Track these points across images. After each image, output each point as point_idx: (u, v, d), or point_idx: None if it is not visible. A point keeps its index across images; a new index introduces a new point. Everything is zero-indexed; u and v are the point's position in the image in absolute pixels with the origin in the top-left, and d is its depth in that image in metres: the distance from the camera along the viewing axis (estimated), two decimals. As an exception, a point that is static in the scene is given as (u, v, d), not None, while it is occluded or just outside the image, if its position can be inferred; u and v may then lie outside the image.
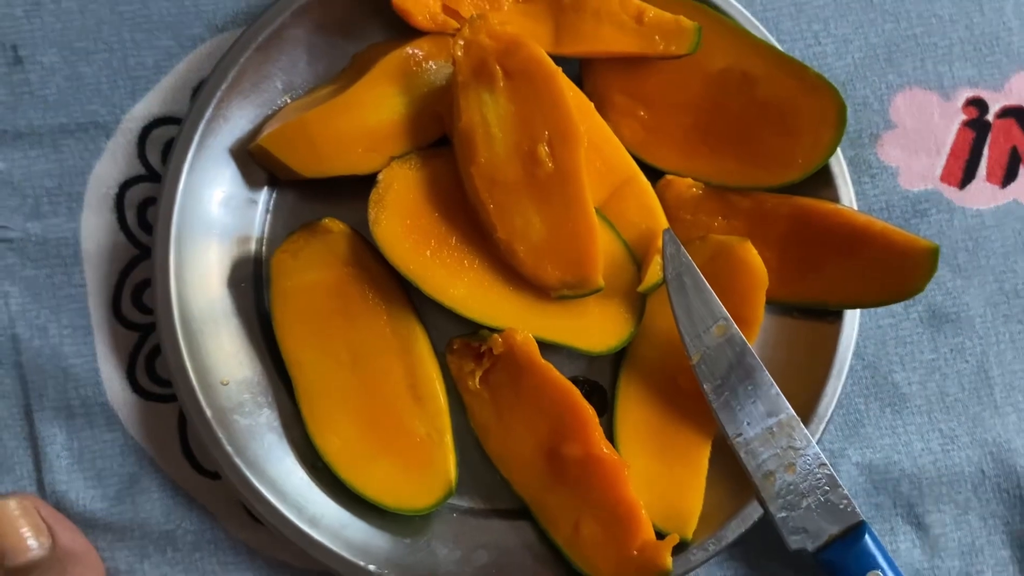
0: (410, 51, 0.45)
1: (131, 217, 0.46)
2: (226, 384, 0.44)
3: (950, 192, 0.49)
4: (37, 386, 0.45)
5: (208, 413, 0.43)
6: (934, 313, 0.48)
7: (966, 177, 0.49)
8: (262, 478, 0.43)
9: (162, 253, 0.43)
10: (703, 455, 0.45)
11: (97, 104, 0.47)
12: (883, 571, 0.42)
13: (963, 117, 0.50)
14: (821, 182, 0.46)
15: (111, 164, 0.46)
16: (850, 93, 0.49)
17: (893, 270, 0.43)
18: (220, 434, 0.43)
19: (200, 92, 0.44)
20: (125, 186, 0.47)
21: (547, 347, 0.44)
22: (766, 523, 0.43)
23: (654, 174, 0.46)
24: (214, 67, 0.44)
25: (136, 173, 0.47)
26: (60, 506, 0.45)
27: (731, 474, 0.44)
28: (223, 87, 0.44)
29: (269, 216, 0.47)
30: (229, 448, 0.43)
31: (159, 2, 0.47)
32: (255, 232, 0.47)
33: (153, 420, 0.46)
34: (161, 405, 0.46)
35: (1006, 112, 0.50)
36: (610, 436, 0.44)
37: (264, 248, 0.47)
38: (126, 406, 0.46)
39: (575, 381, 0.45)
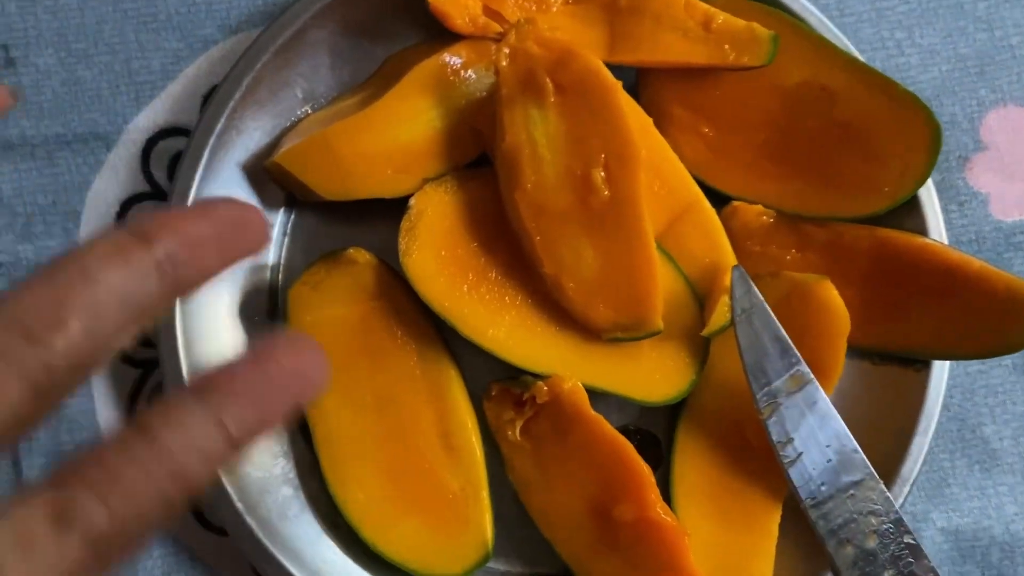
0: (447, 58, 0.40)
1: (133, 239, 0.42)
2: (236, 431, 0.39)
3: (1049, 223, 0.44)
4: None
5: (216, 464, 0.38)
6: (1029, 360, 0.44)
7: (1066, 206, 0.44)
8: (275, 538, 0.38)
9: (167, 283, 0.39)
10: (772, 520, 0.40)
11: (97, 113, 0.42)
12: (976, 658, 0.37)
13: (1064, 139, 0.44)
14: (906, 211, 0.41)
15: (112, 179, 0.42)
16: (937, 111, 0.44)
17: (992, 319, 0.38)
18: (229, 488, 0.38)
19: (211, 101, 0.40)
20: (127, 204, 0.42)
21: (597, 395, 0.39)
22: (841, 597, 0.38)
23: (719, 199, 0.41)
24: (227, 73, 0.40)
25: (139, 190, 0.42)
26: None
27: (803, 542, 0.39)
28: (237, 96, 0.39)
29: (286, 241, 0.42)
30: (239, 504, 0.38)
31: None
32: (271, 259, 0.42)
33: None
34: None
35: (1110, 133, 0.44)
36: (666, 496, 0.40)
37: (280, 277, 0.42)
38: (125, 451, 0.41)
39: (624, 431, 0.40)
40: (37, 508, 0.18)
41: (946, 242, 0.41)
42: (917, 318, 0.40)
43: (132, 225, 0.21)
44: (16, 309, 0.19)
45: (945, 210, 0.44)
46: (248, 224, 0.23)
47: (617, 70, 0.39)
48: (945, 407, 0.43)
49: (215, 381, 0.20)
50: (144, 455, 0.19)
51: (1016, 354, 0.43)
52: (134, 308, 0.20)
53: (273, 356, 0.21)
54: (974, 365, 0.43)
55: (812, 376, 0.38)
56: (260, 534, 0.38)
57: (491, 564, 0.41)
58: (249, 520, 0.38)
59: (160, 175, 0.42)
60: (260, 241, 0.23)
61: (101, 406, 0.41)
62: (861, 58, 0.41)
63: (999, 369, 0.43)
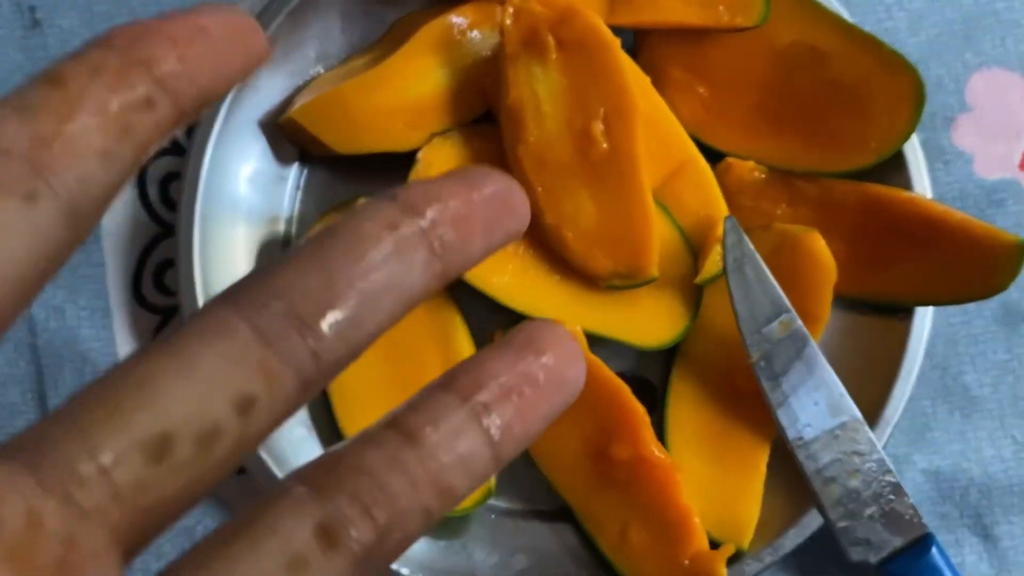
0: (454, 19, 0.42)
1: (153, 193, 0.44)
2: (253, 373, 0.41)
3: (1030, 181, 0.46)
4: (52, 371, 0.43)
5: (233, 404, 0.40)
6: (1009, 310, 0.45)
7: (1047, 165, 0.46)
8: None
9: (186, 232, 0.40)
10: (761, 460, 0.42)
11: (118, 71, 0.44)
12: (951, 587, 0.39)
13: (1046, 100, 0.46)
14: (892, 168, 0.42)
15: (132, 135, 0.44)
16: (924, 73, 0.45)
17: (973, 266, 0.40)
18: (246, 426, 0.40)
19: (228, 60, 0.41)
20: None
21: (595, 340, 0.41)
22: (826, 533, 0.40)
23: (714, 156, 0.43)
24: (243, 33, 0.41)
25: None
26: (76, 499, 0.42)
27: (790, 480, 0.41)
28: (253, 55, 0.41)
29: (300, 194, 0.44)
30: (255, 442, 0.40)
31: (184, -37, 0.44)
32: (284, 211, 0.44)
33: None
34: (183, 393, 0.43)
35: (1091, 95, 0.46)
36: (660, 437, 0.42)
37: (294, 228, 0.44)
38: (146, 394, 0.43)
39: (623, 377, 0.42)
40: (305, 522, 0.15)
41: (930, 196, 0.43)
42: (902, 267, 0.42)
43: (400, 194, 0.18)
44: (285, 290, 0.16)
45: (931, 168, 0.45)
46: (512, 201, 0.20)
47: (616, 32, 0.40)
48: (928, 356, 0.45)
49: (473, 377, 0.17)
50: (410, 461, 0.16)
51: (997, 305, 0.45)
52: (403, 294, 0.17)
53: (535, 349, 0.18)
54: (956, 316, 0.45)
55: (800, 323, 0.40)
56: (277, 471, 0.40)
57: (493, 501, 0.43)
58: (266, 457, 0.40)
59: (179, 132, 0.44)
60: (523, 222, 0.20)
61: (123, 348, 0.43)
62: (851, 20, 0.43)
63: (980, 319, 0.45)
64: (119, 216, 0.44)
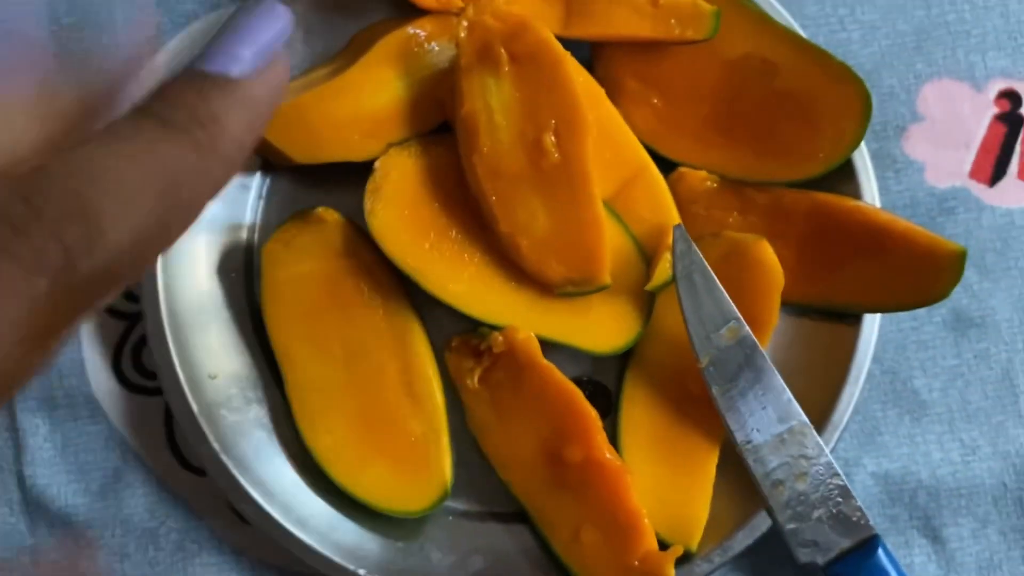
0: (411, 31, 0.43)
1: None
2: (214, 378, 0.42)
3: (979, 189, 0.47)
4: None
5: (195, 408, 0.41)
6: (958, 316, 0.46)
7: (996, 174, 0.47)
8: (249, 476, 0.41)
9: (149, 240, 0.41)
10: (710, 462, 0.43)
11: (86, 81, 0.45)
12: (896, 587, 0.40)
13: (995, 110, 0.47)
14: (843, 177, 0.43)
15: (101, 144, 0.45)
16: (876, 83, 0.47)
17: (916, 273, 0.41)
18: (207, 430, 0.41)
19: (191, 71, 0.42)
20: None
21: (550, 346, 0.42)
22: (775, 535, 0.41)
23: (667, 166, 0.44)
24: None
25: (126, 154, 0.45)
26: (41, 501, 0.43)
27: (739, 483, 0.42)
28: (215, 67, 0.42)
29: (262, 203, 0.45)
30: (216, 445, 0.41)
31: (151, -25, 0.45)
32: (247, 219, 0.45)
33: (139, 413, 0.44)
34: (147, 398, 0.44)
35: (1041, 105, 0.47)
36: (614, 440, 0.43)
37: (256, 236, 0.45)
38: (111, 397, 0.44)
39: (578, 382, 0.43)
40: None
41: (879, 205, 0.44)
42: (849, 274, 0.43)
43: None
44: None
45: (883, 177, 0.46)
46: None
47: (572, 45, 0.41)
48: (878, 361, 0.46)
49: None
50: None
51: (947, 311, 0.46)
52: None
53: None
54: (907, 322, 0.46)
55: (748, 329, 0.41)
56: (236, 473, 0.41)
57: (450, 503, 0.44)
58: (226, 460, 0.41)
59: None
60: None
61: (89, 353, 0.44)
62: (802, 33, 0.44)
63: (930, 326, 0.46)
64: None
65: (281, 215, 0.44)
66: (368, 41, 0.43)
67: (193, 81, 0.22)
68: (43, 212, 0.19)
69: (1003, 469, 0.46)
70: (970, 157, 0.47)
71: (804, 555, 0.40)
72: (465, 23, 0.40)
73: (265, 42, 0.23)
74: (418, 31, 0.43)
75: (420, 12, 0.43)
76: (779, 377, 0.41)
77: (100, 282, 0.20)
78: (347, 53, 0.44)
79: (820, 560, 0.40)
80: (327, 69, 0.44)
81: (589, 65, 0.44)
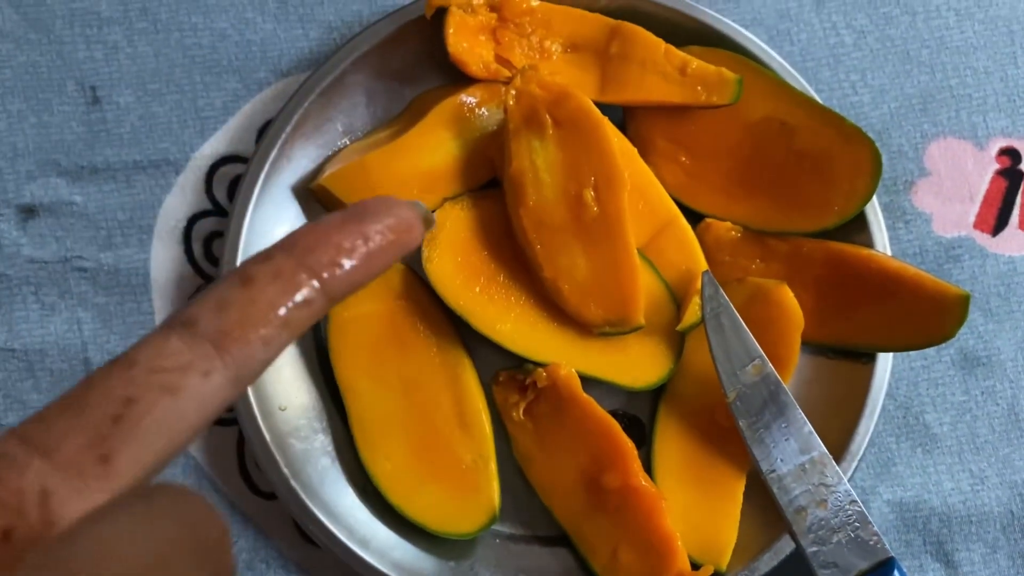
0: (464, 98, 0.47)
1: (198, 249, 0.49)
2: (284, 410, 0.46)
3: (983, 239, 0.50)
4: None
5: (267, 437, 0.45)
6: (966, 356, 0.50)
7: (999, 224, 0.51)
8: (315, 500, 0.45)
9: (227, 285, 0.45)
10: (738, 489, 0.46)
11: (168, 143, 0.49)
12: (912, 607, 0.43)
13: (996, 166, 0.51)
14: (856, 228, 0.47)
15: (180, 199, 0.49)
16: (886, 141, 0.51)
17: (925, 316, 0.45)
18: (278, 457, 0.45)
19: (266, 133, 0.47)
20: (193, 220, 0.49)
21: (589, 382, 0.46)
22: (798, 557, 0.44)
23: (695, 217, 0.48)
24: (279, 110, 0.47)
25: (203, 208, 0.49)
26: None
27: (764, 509, 0.45)
28: (287, 129, 0.46)
29: (327, 251, 0.49)
30: (286, 470, 0.45)
31: (228, 47, 0.50)
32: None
33: (214, 442, 0.48)
34: (222, 428, 0.48)
35: (1039, 161, 0.51)
36: (648, 469, 0.46)
37: (322, 281, 0.49)
38: (189, 428, 0.48)
39: (615, 415, 0.46)
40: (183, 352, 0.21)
41: (889, 253, 0.47)
42: (863, 317, 0.46)
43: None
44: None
45: (893, 227, 0.50)
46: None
47: (608, 108, 0.46)
48: (892, 397, 0.49)
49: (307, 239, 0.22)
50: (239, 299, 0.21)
51: (956, 351, 0.50)
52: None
53: (360, 217, 0.23)
54: (918, 361, 0.50)
55: (771, 367, 0.44)
56: (304, 497, 0.45)
57: (498, 527, 0.47)
58: (295, 485, 0.45)
59: (221, 196, 0.50)
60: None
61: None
62: (817, 97, 0.48)
63: (940, 364, 0.50)
64: (167, 270, 0.49)
65: (344, 262, 0.48)
66: (425, 106, 0.48)
67: None
68: None
69: (1010, 498, 0.49)
70: (974, 209, 0.51)
71: (825, 576, 0.43)
72: (513, 91, 0.45)
73: None
74: (470, 98, 0.47)
75: (471, 80, 0.47)
76: (800, 411, 0.44)
77: None
78: (406, 116, 0.49)
79: (840, 580, 0.43)
80: (387, 131, 0.48)
81: (623, 126, 0.48)
